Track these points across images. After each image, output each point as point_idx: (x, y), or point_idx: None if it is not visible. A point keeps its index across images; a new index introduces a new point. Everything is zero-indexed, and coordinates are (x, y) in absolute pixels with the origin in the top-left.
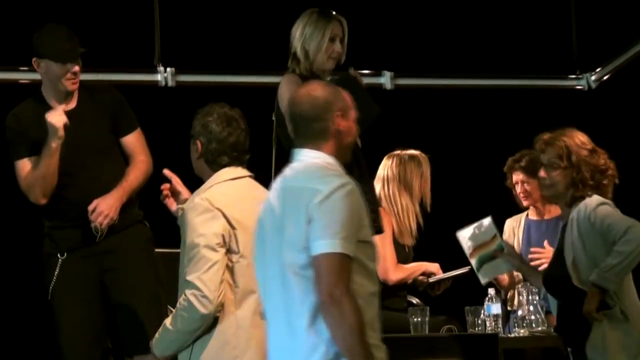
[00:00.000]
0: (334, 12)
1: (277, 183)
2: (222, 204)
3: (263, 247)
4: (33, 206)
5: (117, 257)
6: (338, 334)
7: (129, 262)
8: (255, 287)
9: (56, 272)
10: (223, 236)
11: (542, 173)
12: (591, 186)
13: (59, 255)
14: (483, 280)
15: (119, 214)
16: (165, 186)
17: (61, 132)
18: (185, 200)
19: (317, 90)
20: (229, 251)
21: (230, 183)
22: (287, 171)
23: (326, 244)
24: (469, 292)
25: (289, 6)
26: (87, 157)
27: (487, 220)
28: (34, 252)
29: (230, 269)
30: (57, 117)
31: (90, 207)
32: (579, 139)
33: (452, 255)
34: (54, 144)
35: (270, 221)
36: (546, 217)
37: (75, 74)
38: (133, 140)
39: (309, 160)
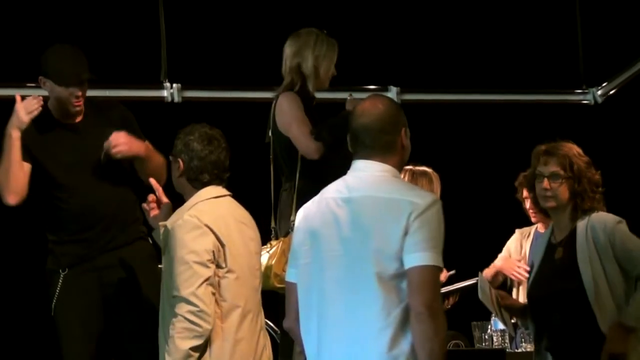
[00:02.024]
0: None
1: (334, 193)
2: (210, 220)
3: (319, 257)
4: (38, 222)
5: (119, 272)
6: (427, 347)
7: (131, 277)
8: (239, 301)
9: (58, 288)
10: (213, 252)
11: (545, 184)
12: (593, 198)
13: (60, 271)
14: (513, 333)
15: (122, 231)
16: (152, 197)
17: (22, 119)
18: (167, 212)
19: (384, 103)
20: (217, 266)
21: (213, 201)
22: (351, 181)
23: (425, 257)
24: (476, 307)
25: (294, 23)
26: (90, 170)
27: (479, 277)
28: (38, 268)
29: (217, 283)
30: (23, 111)
31: (114, 135)
32: (576, 150)
33: (458, 269)
34: (13, 132)
35: (334, 231)
36: None
37: (78, 97)
38: None
39: (377, 173)
